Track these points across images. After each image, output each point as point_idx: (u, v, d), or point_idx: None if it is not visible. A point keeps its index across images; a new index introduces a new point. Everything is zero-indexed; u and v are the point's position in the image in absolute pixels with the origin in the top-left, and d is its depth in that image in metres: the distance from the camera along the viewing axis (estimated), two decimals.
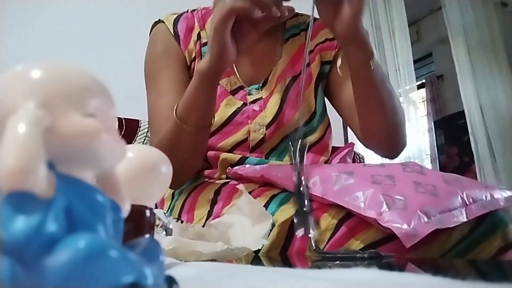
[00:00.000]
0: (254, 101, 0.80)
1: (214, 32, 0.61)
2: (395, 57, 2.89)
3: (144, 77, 0.84)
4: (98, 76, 0.18)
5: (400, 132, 0.78)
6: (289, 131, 0.78)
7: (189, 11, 0.86)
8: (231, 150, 0.78)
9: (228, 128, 0.78)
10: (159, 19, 0.85)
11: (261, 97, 0.81)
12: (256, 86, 0.82)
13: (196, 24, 0.84)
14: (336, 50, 0.86)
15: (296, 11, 0.82)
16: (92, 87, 0.17)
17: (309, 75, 0.84)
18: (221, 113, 0.78)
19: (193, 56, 0.81)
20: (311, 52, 0.86)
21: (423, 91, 4.30)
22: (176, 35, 0.82)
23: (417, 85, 3.45)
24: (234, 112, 0.78)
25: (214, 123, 0.74)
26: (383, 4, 2.93)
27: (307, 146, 0.79)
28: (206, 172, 0.82)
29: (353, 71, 0.69)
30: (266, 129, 0.78)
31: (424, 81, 4.28)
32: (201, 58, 0.81)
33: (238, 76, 0.82)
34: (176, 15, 0.85)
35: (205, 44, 0.81)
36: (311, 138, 0.82)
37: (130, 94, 1.40)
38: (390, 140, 0.78)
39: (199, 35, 0.82)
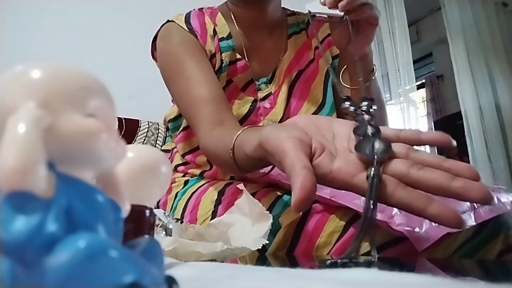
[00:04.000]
0: (264, 98, 0.82)
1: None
2: (395, 57, 2.89)
3: (163, 70, 0.81)
4: (98, 76, 0.18)
5: (386, 121, 0.87)
6: None
7: (195, 9, 0.85)
8: None
9: (243, 126, 0.77)
10: (168, 20, 0.83)
11: (270, 92, 0.82)
12: (265, 79, 0.84)
13: (208, 19, 0.82)
14: None
15: (291, 8, 0.92)
16: (92, 87, 0.17)
17: (315, 69, 0.86)
18: (236, 112, 0.79)
19: (213, 52, 0.79)
20: (316, 48, 0.87)
21: (423, 91, 4.30)
22: (191, 30, 0.79)
23: (417, 85, 3.45)
24: (248, 111, 0.80)
25: None
26: (383, 4, 2.93)
27: None
28: (208, 173, 0.83)
29: (354, 84, 0.75)
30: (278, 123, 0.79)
31: (424, 81, 4.29)
32: (220, 54, 0.80)
33: (250, 70, 0.83)
34: (185, 14, 0.83)
35: (222, 39, 0.81)
36: None
37: (130, 94, 1.41)
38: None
39: (214, 31, 0.81)
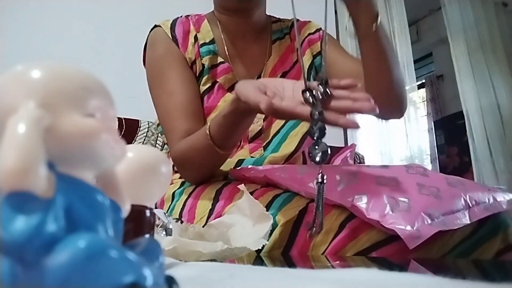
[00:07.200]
0: None
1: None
2: None
3: (148, 80, 0.87)
4: (98, 76, 0.18)
5: (404, 86, 0.81)
6: (282, 122, 0.84)
7: (182, 16, 0.89)
8: None
9: None
10: (155, 24, 0.87)
11: None
12: None
13: (192, 27, 0.87)
14: (320, 40, 0.91)
15: (275, 13, 0.97)
16: (92, 87, 0.17)
17: (298, 70, 0.88)
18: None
19: (193, 59, 0.84)
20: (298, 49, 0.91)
21: (423, 91, 4.30)
22: (174, 38, 0.84)
23: (417, 85, 3.46)
24: None
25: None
26: (384, 4, 2.93)
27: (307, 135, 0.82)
28: None
29: (362, 28, 0.72)
30: (263, 121, 0.83)
31: (424, 81, 4.28)
32: (200, 59, 0.84)
33: (235, 73, 0.85)
34: (172, 20, 0.87)
35: (203, 44, 0.85)
36: (305, 126, 0.83)
37: (130, 94, 1.40)
38: (397, 95, 0.78)
39: (196, 38, 0.86)
